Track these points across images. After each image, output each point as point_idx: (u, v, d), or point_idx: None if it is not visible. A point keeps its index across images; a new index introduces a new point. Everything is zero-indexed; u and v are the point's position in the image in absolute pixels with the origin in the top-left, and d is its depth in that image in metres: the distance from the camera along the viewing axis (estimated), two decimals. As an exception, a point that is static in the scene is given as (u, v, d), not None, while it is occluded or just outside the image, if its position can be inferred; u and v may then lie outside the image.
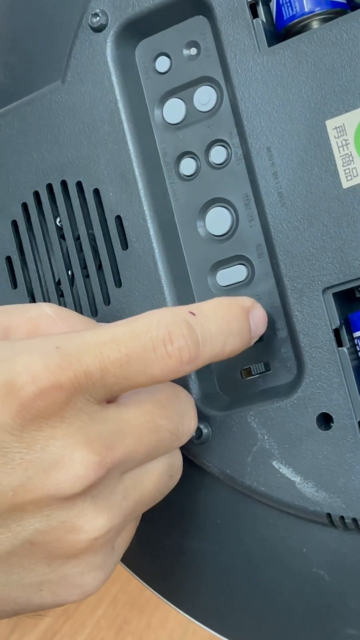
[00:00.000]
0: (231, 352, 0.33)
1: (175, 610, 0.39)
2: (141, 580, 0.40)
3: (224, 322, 0.33)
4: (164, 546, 0.39)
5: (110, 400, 0.32)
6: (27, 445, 0.29)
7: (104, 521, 0.31)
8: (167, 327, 0.31)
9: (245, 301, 0.35)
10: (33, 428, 0.29)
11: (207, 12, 0.37)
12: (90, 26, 0.38)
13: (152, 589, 0.40)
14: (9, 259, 0.40)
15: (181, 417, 0.33)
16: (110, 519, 0.31)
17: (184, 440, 0.33)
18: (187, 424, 0.33)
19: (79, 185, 0.39)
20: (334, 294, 0.34)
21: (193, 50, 0.38)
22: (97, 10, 0.38)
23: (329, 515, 0.35)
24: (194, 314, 0.32)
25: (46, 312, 0.34)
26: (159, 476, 0.33)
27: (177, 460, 0.34)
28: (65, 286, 0.39)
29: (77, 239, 0.39)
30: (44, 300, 0.39)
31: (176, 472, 0.34)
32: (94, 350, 0.30)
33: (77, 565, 0.31)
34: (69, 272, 0.39)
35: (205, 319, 0.32)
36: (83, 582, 0.31)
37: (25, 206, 0.40)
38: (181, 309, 0.32)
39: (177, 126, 0.38)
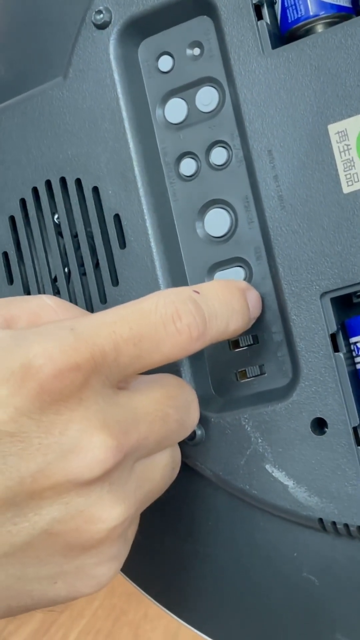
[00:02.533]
0: (235, 331, 0.34)
1: (164, 611, 0.39)
2: (131, 581, 0.40)
3: (226, 300, 0.33)
4: (155, 547, 0.39)
5: (121, 386, 0.32)
6: (46, 430, 0.29)
7: (121, 510, 0.30)
8: (175, 304, 0.31)
9: (240, 283, 0.35)
10: (52, 411, 0.29)
11: (212, 12, 0.36)
12: (93, 23, 0.38)
13: (141, 590, 0.40)
14: (5, 255, 0.40)
15: (187, 408, 0.33)
16: (126, 508, 0.31)
17: (189, 431, 0.34)
18: (192, 415, 0.34)
19: (78, 182, 0.38)
20: (332, 299, 0.34)
21: (196, 50, 0.38)
22: (101, 8, 0.38)
23: (320, 520, 0.34)
24: (198, 293, 0.32)
25: (47, 303, 0.34)
26: (165, 467, 0.33)
27: (178, 453, 0.34)
28: (61, 283, 0.39)
29: (74, 236, 0.39)
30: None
31: (177, 466, 0.34)
32: (107, 330, 0.30)
33: (94, 555, 0.31)
34: (66, 270, 0.39)
35: (208, 297, 0.32)
36: (99, 572, 0.31)
37: (23, 202, 0.39)
38: (185, 288, 0.32)
39: (179, 126, 0.38)
